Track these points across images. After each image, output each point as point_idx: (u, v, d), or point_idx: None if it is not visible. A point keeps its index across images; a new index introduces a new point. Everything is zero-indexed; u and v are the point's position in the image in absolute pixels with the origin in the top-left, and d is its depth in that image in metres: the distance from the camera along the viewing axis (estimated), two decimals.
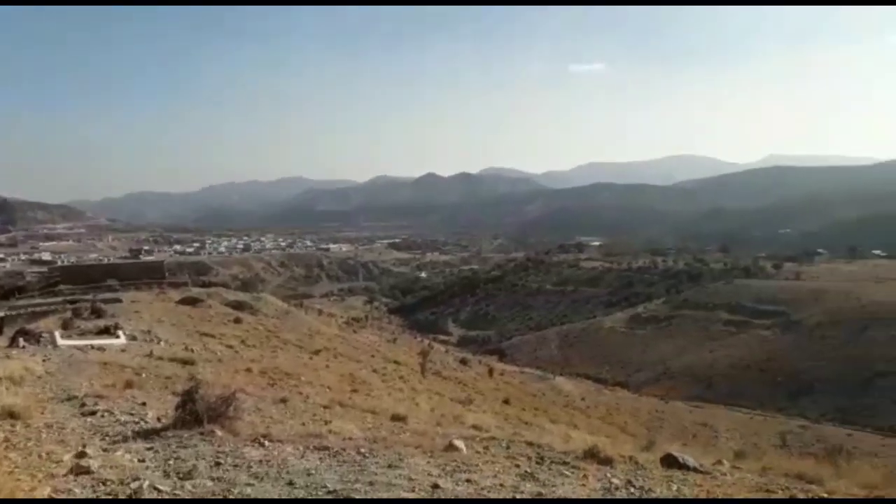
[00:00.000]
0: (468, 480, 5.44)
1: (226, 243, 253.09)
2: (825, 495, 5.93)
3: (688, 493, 5.55)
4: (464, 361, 56.02)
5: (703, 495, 5.55)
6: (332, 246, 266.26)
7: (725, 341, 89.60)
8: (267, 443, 6.33)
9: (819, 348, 78.61)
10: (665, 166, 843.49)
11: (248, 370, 15.98)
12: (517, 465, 6.26)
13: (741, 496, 5.72)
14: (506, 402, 34.20)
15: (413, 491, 5.05)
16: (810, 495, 5.85)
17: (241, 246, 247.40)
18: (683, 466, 6.76)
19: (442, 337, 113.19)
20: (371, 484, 5.12)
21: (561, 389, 56.57)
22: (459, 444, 6.74)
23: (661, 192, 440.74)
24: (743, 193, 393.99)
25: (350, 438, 7.03)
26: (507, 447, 7.33)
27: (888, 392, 66.23)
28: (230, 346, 21.81)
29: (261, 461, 5.63)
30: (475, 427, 10.12)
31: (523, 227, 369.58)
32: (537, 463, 6.47)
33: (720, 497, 5.64)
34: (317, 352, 27.87)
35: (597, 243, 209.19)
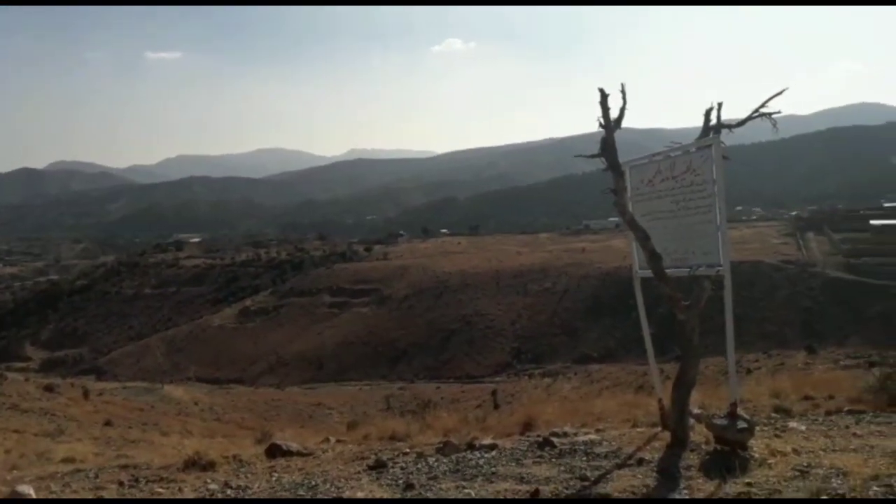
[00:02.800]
0: None
1: None
2: (408, 450, 6.58)
3: (287, 479, 5.72)
4: (50, 388, 48.05)
5: (301, 476, 5.77)
6: None
7: (330, 322, 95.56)
8: None
9: (408, 317, 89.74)
10: (257, 159, 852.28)
11: None
12: (101, 497, 5.75)
13: (340, 467, 6.04)
14: (107, 423, 30.78)
15: None
16: (396, 453, 6.44)
17: None
18: (287, 453, 6.96)
19: (18, 364, 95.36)
20: None
21: (172, 398, 53.20)
22: (26, 489, 5.73)
23: (255, 184, 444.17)
24: (332, 184, 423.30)
25: None
26: (96, 476, 6.67)
27: (461, 346, 79.52)
28: None
29: None
30: (67, 460, 9.08)
31: (109, 227, 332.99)
32: (131, 486, 6.04)
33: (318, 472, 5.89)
34: None
35: (196, 240, 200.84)
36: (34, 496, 5.65)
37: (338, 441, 8.68)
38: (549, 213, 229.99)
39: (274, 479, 5.85)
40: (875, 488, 4.16)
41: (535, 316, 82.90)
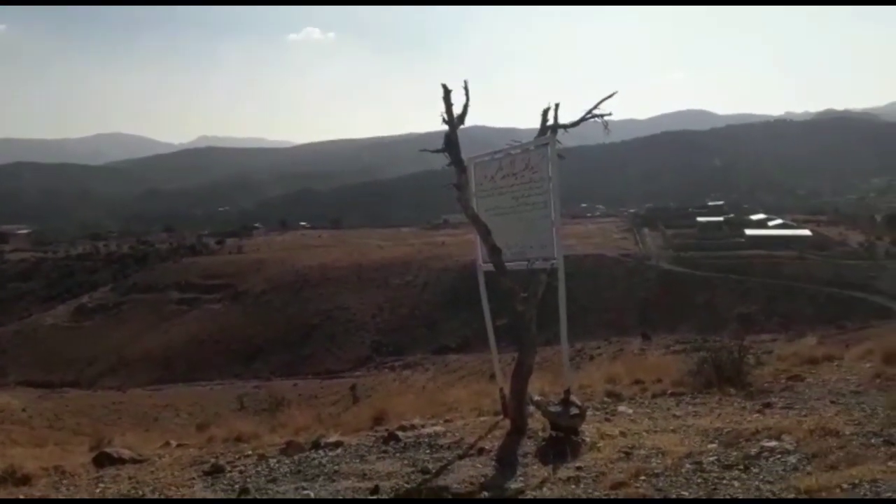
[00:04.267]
0: None
1: None
2: (251, 452, 6.36)
3: (114, 489, 5.40)
4: None
5: (130, 486, 5.43)
6: None
7: (179, 319, 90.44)
8: None
9: (265, 313, 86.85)
10: (93, 145, 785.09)
11: None
12: None
13: (174, 474, 5.73)
14: None
15: None
16: (238, 456, 6.23)
17: None
18: (118, 461, 6.52)
19: None
20: None
21: None
22: None
23: (91, 172, 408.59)
24: (178, 173, 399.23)
25: None
26: None
27: (321, 341, 78.26)
28: None
29: None
30: None
31: None
32: None
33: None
34: None
35: (24, 231, 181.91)
36: None
37: (178, 445, 8.20)
38: (410, 207, 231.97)
39: (98, 490, 5.47)
40: (688, 465, 4.56)
41: (396, 309, 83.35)
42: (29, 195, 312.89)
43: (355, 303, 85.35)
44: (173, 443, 8.46)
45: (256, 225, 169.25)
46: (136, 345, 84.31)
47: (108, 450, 6.98)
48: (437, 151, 5.81)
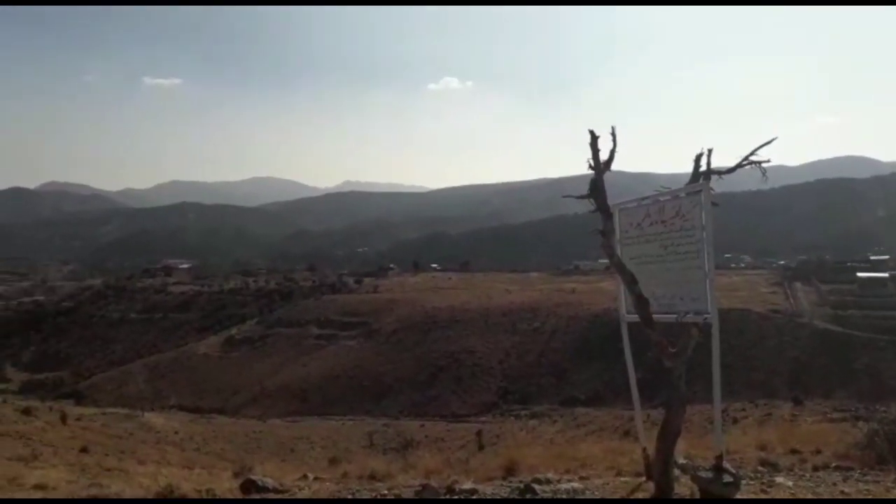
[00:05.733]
0: None
1: None
2: (386, 492, 6.47)
3: None
4: (27, 411, 47.15)
5: None
6: None
7: (317, 354, 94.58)
8: None
9: (395, 352, 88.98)
10: (248, 188, 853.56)
11: None
12: None
13: None
14: (83, 450, 30.06)
15: None
16: (375, 494, 6.33)
17: None
18: (262, 489, 6.79)
19: None
20: None
21: (152, 426, 52.25)
22: None
23: (246, 213, 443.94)
24: (323, 216, 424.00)
25: None
26: None
27: (448, 383, 78.68)
28: None
29: None
30: (38, 487, 8.88)
31: (99, 250, 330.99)
32: None
33: None
34: None
35: (186, 266, 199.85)
36: None
37: (316, 478, 8.50)
38: (540, 253, 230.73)
39: None
40: None
41: (523, 355, 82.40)
42: (192, 233, 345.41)
43: (482, 346, 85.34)
44: (310, 476, 8.78)
45: (391, 266, 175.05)
46: (276, 377, 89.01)
47: (253, 477, 7.29)
48: (582, 197, 5.72)
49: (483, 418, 66.86)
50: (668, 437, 5.38)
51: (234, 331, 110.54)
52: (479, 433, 49.26)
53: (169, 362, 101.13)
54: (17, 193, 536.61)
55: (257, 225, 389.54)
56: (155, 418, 58.00)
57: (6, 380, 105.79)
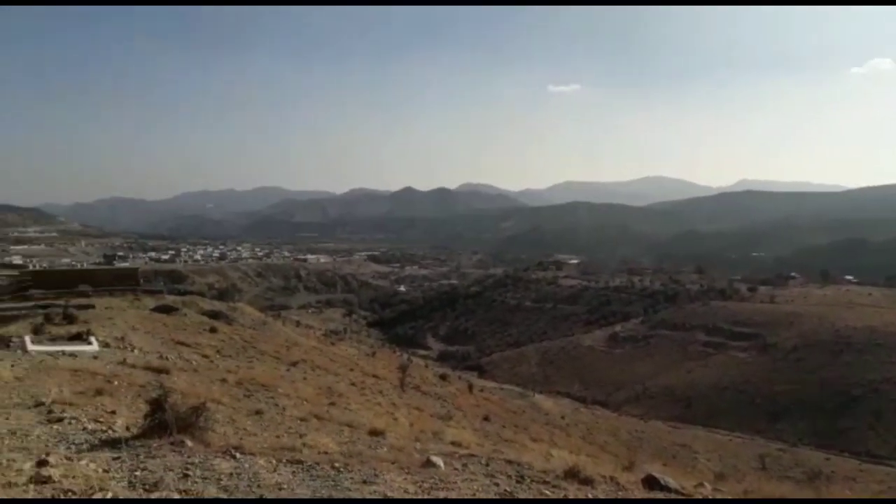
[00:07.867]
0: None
1: (201, 252, 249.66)
2: None
3: None
4: (443, 377, 55.06)
5: None
6: (309, 257, 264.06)
7: (703, 362, 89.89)
8: (238, 455, 6.09)
9: (795, 371, 79.12)
10: (638, 187, 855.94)
11: (224, 380, 15.28)
12: (496, 484, 6.12)
13: None
14: (485, 419, 33.51)
15: None
16: None
17: (216, 255, 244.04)
18: (665, 488, 6.75)
19: (421, 352, 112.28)
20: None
21: (541, 407, 56.05)
22: (437, 460, 6.65)
23: (636, 212, 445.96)
24: (716, 216, 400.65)
25: (325, 452, 6.86)
26: (487, 464, 7.17)
27: (864, 416, 66.73)
28: (205, 356, 20.98)
29: (231, 474, 5.39)
30: (455, 443, 9.95)
31: (500, 243, 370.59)
32: (517, 482, 6.32)
33: None
34: (294, 363, 26.99)
35: (575, 261, 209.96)
36: (443, 467, 6.50)
37: (714, 489, 8.09)
38: None
39: None
40: None
41: None
42: (582, 230, 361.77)
43: None
44: (707, 485, 8.59)
45: (793, 274, 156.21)
46: (658, 378, 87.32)
47: (656, 475, 7.21)
48: None
49: None
50: None
51: (618, 327, 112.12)
52: None
53: (557, 350, 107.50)
54: (441, 193, 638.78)
55: (644, 224, 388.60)
56: (544, 401, 62.11)
57: (427, 348, 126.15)
